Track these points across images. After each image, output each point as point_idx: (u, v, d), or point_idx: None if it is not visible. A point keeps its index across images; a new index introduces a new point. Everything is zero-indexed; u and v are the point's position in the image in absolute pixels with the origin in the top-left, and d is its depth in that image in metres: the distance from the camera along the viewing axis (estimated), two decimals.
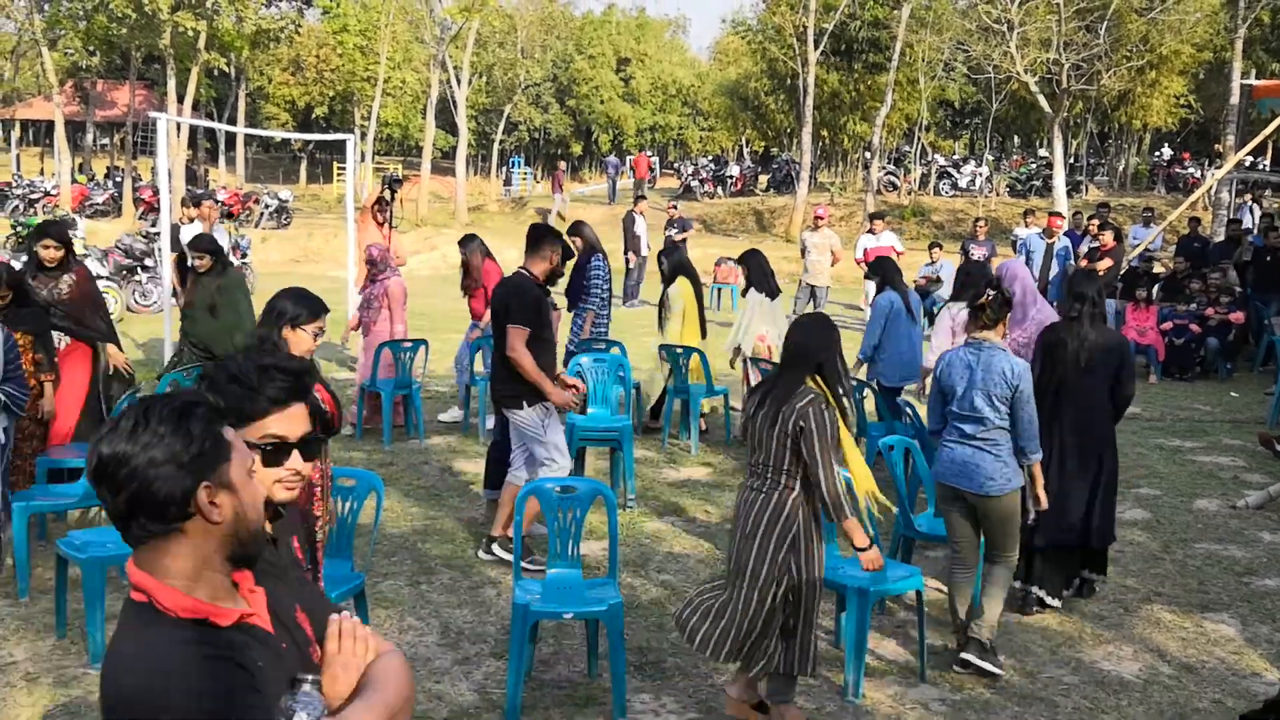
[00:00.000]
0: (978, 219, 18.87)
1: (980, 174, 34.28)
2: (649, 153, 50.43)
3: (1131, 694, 4.97)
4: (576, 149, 58.01)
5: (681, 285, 9.58)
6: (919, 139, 38.65)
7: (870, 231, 16.14)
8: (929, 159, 38.14)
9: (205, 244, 7.93)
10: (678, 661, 5.11)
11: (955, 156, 40.86)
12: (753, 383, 8.57)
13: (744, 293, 9.50)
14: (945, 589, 6.09)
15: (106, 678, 1.79)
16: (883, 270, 8.73)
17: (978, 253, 16.32)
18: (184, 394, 1.89)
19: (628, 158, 40.43)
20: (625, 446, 7.62)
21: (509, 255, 25.73)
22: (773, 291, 9.34)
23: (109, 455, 1.77)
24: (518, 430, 6.29)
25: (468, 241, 10.02)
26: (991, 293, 5.10)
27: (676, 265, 9.75)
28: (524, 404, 6.17)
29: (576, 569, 4.91)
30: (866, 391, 8.41)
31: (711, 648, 4.35)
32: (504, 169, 50.40)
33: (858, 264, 16.11)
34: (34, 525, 6.14)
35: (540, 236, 6.45)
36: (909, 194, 33.72)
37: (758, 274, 9.33)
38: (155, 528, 1.79)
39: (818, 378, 4.36)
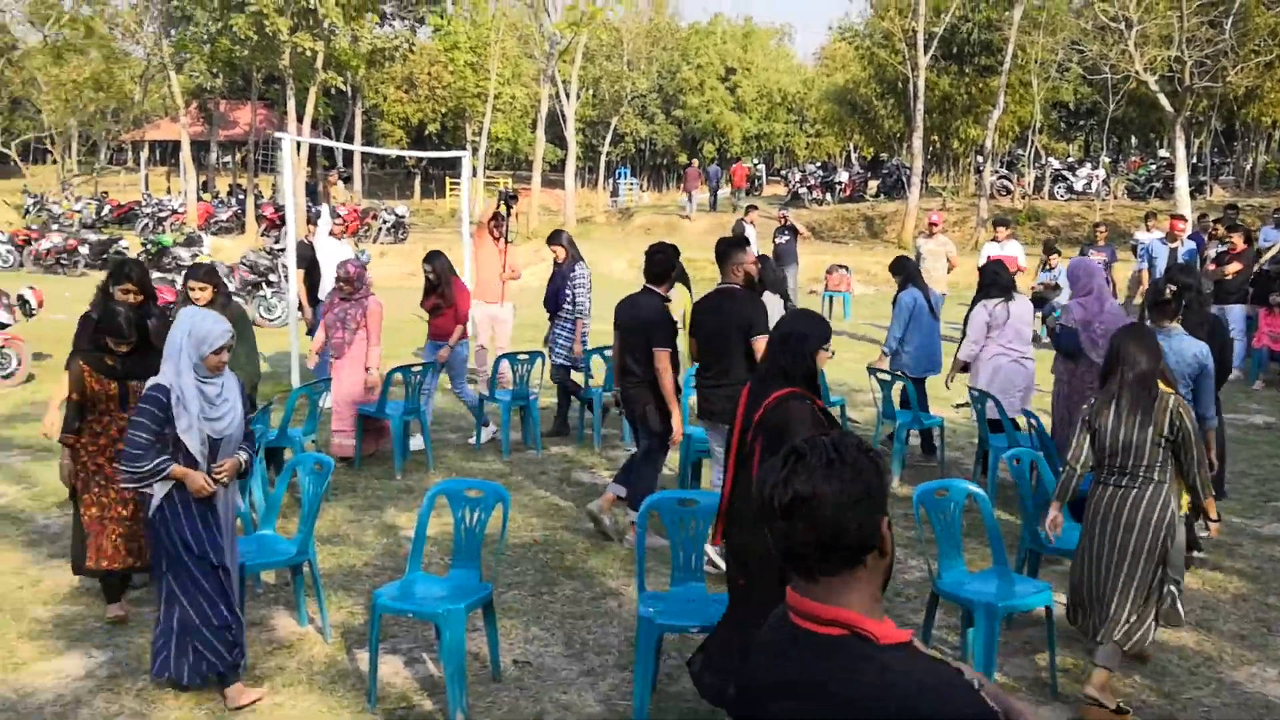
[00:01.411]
0: (1097, 224, 18.35)
1: (1097, 176, 33.37)
2: (756, 160, 50.33)
3: (1277, 715, 4.79)
4: (682, 159, 58.10)
5: (680, 292, 9.39)
6: (1032, 142, 37.79)
7: (994, 239, 15.41)
8: (1043, 162, 37.30)
9: (202, 274, 7.09)
10: None
11: (1070, 159, 39.89)
12: None
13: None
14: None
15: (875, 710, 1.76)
16: (905, 270, 9.31)
17: (1097, 258, 15.88)
18: (849, 434, 1.94)
19: (710, 168, 40.42)
20: None
21: (616, 266, 26.08)
22: (785, 295, 9.46)
23: (807, 493, 1.82)
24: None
25: (435, 258, 9.56)
26: (1173, 287, 5.91)
27: (681, 272, 9.54)
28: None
29: (700, 582, 4.92)
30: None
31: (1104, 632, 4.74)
32: (610, 180, 50.77)
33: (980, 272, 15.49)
34: None
35: (727, 249, 6.57)
36: (1023, 198, 33.01)
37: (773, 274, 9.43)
38: (845, 561, 1.84)
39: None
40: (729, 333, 6.31)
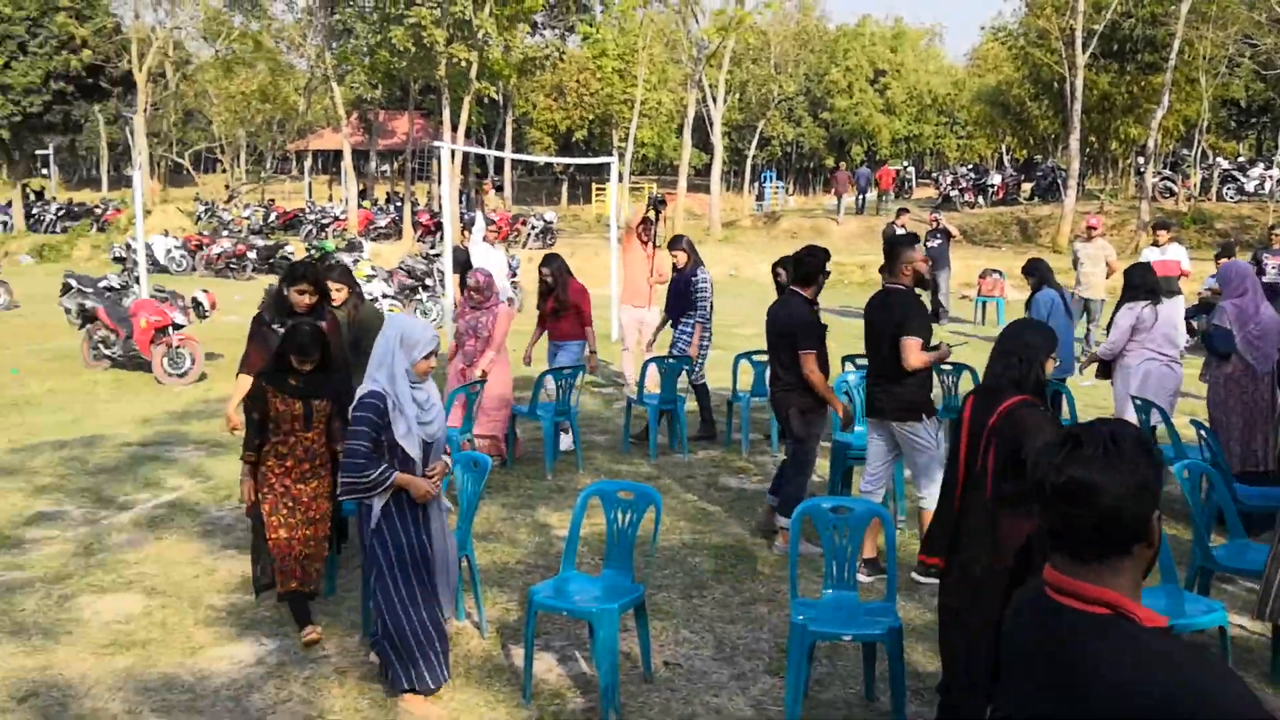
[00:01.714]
0: (1273, 226, 17.48)
1: (1270, 177, 31.71)
2: (905, 163, 49.52)
3: None
4: (829, 162, 57.56)
5: None
6: (1199, 141, 36.19)
7: (1155, 244, 14.73)
8: (1210, 162, 35.66)
9: (337, 275, 7.16)
10: None
11: (1240, 159, 38.04)
12: None
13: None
14: (1250, 627, 5.70)
15: (1129, 685, 1.79)
16: (1039, 271, 9.61)
17: (1272, 263, 15.14)
18: (1127, 424, 1.99)
19: (859, 170, 39.95)
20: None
21: (762, 270, 25.94)
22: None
23: (1085, 480, 1.88)
24: (909, 445, 6.34)
25: (551, 261, 9.65)
26: None
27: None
28: (923, 416, 6.29)
29: (853, 590, 4.88)
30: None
31: None
32: (756, 184, 50.63)
33: (1125, 274, 14.87)
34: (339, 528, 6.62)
35: (895, 246, 6.50)
36: (1188, 200, 31.62)
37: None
38: (1114, 549, 1.91)
39: None
40: (888, 331, 6.23)
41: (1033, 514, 3.41)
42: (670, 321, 10.02)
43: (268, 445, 5.39)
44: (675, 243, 9.95)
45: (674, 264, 9.90)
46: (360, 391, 4.55)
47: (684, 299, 9.71)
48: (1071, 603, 1.90)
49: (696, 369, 9.77)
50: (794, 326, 6.74)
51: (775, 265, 8.67)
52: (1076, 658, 1.85)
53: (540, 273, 9.56)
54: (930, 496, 6.23)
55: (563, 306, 9.40)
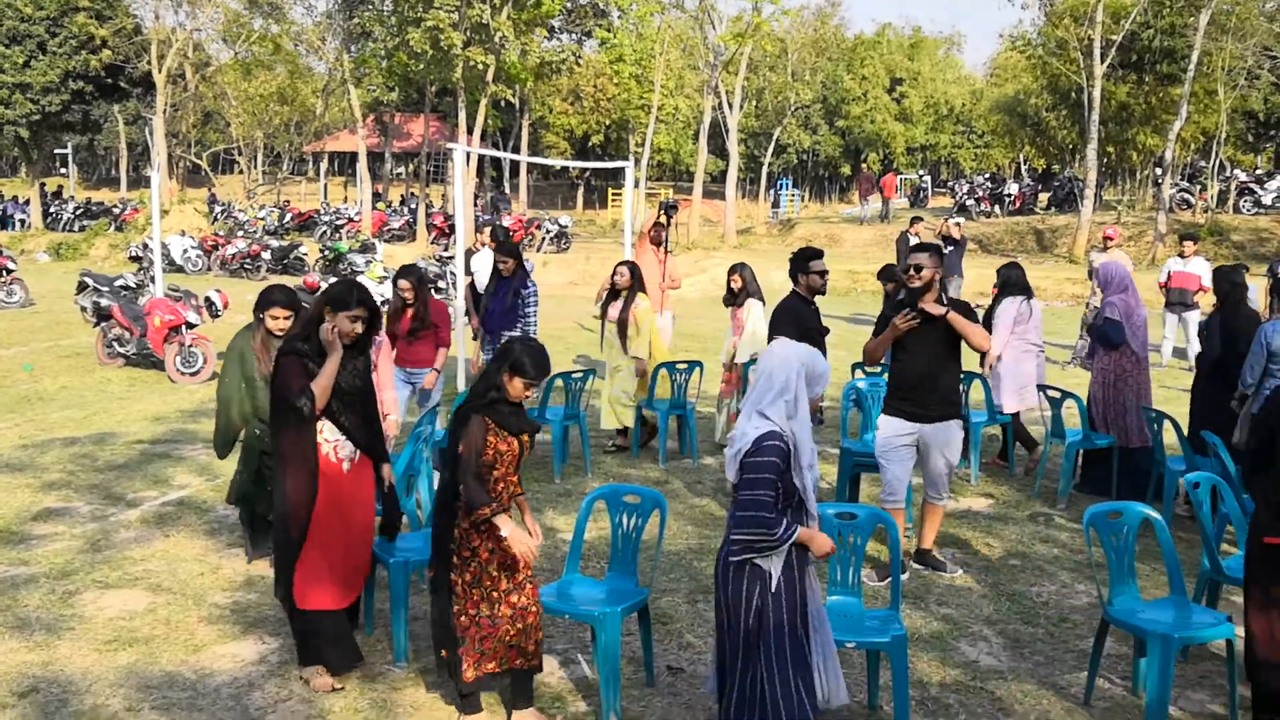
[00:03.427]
0: None
1: None
2: (921, 172, 49.43)
3: None
4: (845, 170, 57.47)
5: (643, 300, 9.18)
6: (1216, 153, 35.98)
7: (1180, 255, 14.58)
8: (1228, 174, 35.46)
9: (414, 278, 7.43)
10: (961, 699, 4.95)
11: (1258, 171, 37.81)
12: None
13: (731, 303, 9.62)
14: None
15: None
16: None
17: None
18: None
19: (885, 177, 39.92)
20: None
21: (777, 278, 25.86)
22: (763, 298, 9.61)
23: None
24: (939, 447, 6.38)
25: (410, 272, 8.26)
26: None
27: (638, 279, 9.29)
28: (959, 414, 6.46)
29: (858, 597, 4.84)
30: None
31: None
32: (772, 191, 50.59)
33: (1160, 289, 14.81)
34: None
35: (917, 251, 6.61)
36: (1205, 212, 31.44)
37: (753, 284, 9.58)
38: None
39: None
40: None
41: None
42: (489, 335, 9.19)
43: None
44: (502, 248, 9.41)
45: (500, 271, 9.13)
46: (755, 433, 3.90)
47: (511, 311, 9.01)
48: None
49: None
50: (774, 316, 7.14)
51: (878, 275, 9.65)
52: None
53: (397, 286, 8.15)
54: (940, 498, 6.55)
55: (422, 325, 8.11)
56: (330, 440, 4.87)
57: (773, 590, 3.89)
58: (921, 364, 6.29)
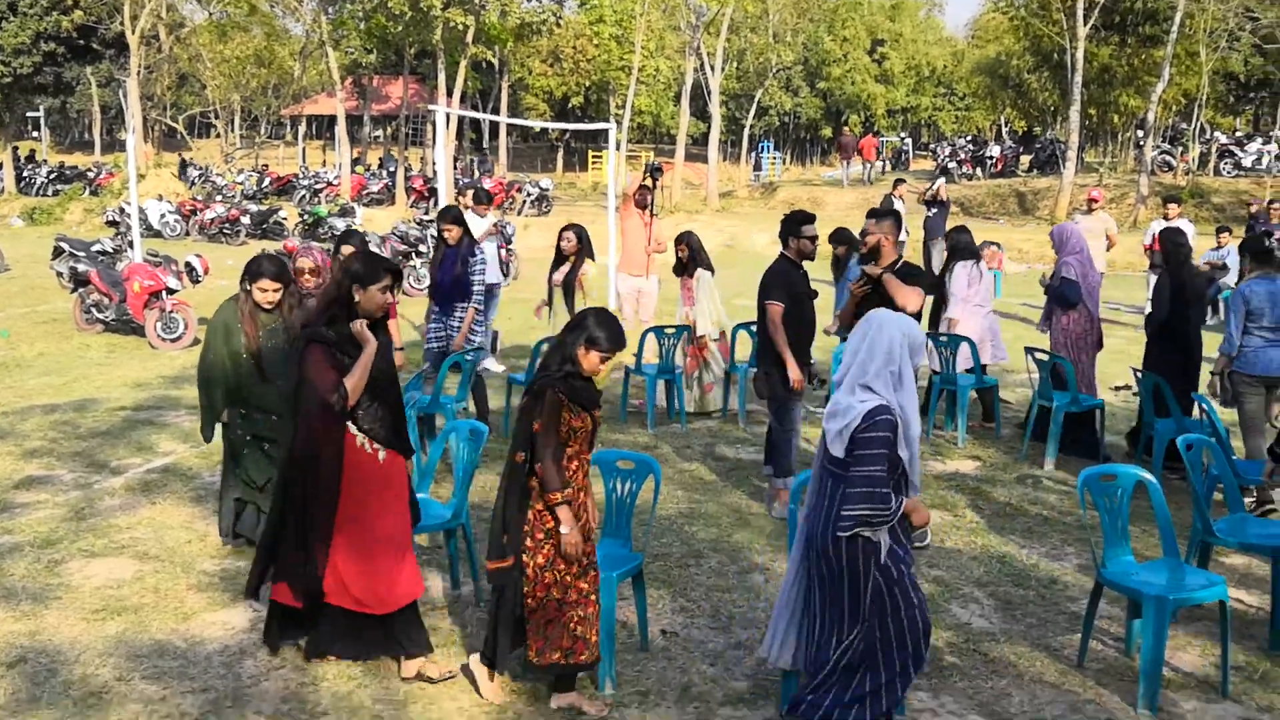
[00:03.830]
0: (1272, 201, 17.41)
1: (1268, 152, 31.61)
2: (902, 135, 49.32)
3: None
4: (826, 132, 57.26)
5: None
6: (1198, 115, 35.98)
7: (1164, 217, 14.71)
8: (1208, 137, 35.51)
9: (450, 218, 7.86)
10: (956, 661, 4.96)
11: (1238, 133, 37.90)
12: (716, 361, 9.51)
13: (681, 272, 9.58)
14: (1248, 600, 5.68)
15: None
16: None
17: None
18: None
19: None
20: None
21: (759, 240, 25.83)
22: (711, 268, 9.59)
23: None
24: None
25: (351, 236, 7.96)
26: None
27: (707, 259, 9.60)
28: None
29: None
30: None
31: None
32: (753, 154, 50.39)
33: (1145, 251, 14.90)
34: None
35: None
36: (1186, 174, 31.51)
37: (702, 253, 9.54)
38: None
39: None
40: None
41: None
42: (437, 307, 8.61)
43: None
44: (445, 214, 8.79)
45: (445, 238, 8.54)
46: (863, 407, 3.87)
47: (461, 280, 8.43)
48: None
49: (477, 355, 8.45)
50: (765, 279, 6.99)
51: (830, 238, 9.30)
52: None
53: (341, 253, 7.59)
54: None
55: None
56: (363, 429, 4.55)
57: (882, 562, 3.93)
58: None
